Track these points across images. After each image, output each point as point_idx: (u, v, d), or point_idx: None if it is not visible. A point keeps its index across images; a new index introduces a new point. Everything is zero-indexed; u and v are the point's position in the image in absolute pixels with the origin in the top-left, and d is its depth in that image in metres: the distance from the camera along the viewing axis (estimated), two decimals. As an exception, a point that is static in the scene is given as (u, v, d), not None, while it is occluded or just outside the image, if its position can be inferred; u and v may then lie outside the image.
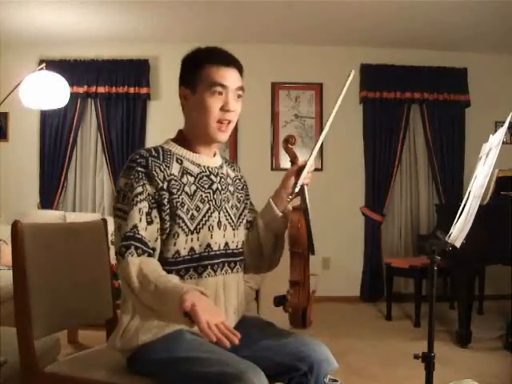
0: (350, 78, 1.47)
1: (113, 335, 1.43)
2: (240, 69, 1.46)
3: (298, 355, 1.38)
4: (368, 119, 5.07)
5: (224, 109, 1.40)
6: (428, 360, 1.69)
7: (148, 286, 1.22)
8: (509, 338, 3.31)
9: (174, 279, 1.30)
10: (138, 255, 1.28)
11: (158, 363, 1.33)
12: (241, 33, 4.72)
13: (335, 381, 1.40)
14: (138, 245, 1.29)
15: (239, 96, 1.44)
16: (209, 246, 1.41)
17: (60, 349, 1.99)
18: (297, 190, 1.48)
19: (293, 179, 1.50)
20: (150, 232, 1.32)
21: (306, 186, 1.51)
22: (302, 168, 1.49)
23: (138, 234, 1.30)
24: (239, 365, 1.23)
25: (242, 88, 1.45)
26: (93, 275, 1.76)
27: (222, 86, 1.39)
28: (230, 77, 1.41)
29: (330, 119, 1.46)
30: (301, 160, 1.53)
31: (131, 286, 1.24)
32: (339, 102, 1.47)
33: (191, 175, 1.43)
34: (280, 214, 1.50)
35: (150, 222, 1.32)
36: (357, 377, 2.83)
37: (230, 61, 1.43)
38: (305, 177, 1.49)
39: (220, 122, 1.41)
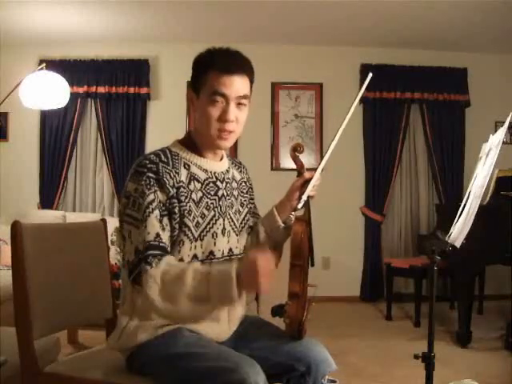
0: (367, 80, 1.46)
1: (112, 335, 1.43)
2: (248, 74, 1.40)
3: (295, 355, 1.38)
4: (368, 119, 5.06)
5: (222, 118, 1.35)
6: (428, 360, 1.69)
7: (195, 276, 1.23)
8: (509, 338, 3.31)
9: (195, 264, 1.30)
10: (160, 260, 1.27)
11: (156, 361, 1.32)
12: (241, 33, 4.71)
13: (333, 381, 1.40)
14: (160, 252, 1.28)
15: (240, 104, 1.38)
16: (211, 253, 1.40)
17: (60, 349, 1.99)
18: (300, 206, 1.44)
19: (297, 193, 1.48)
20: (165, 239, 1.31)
21: (311, 199, 1.48)
22: (308, 181, 1.47)
23: (162, 242, 1.29)
24: (236, 358, 1.24)
25: (245, 97, 1.38)
26: (93, 275, 1.76)
27: (222, 95, 1.34)
28: (231, 85, 1.34)
29: (341, 129, 1.45)
30: (307, 172, 1.50)
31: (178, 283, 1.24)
32: (352, 109, 1.47)
33: (198, 181, 1.40)
34: (282, 224, 1.49)
35: (162, 230, 1.30)
36: (357, 377, 2.83)
37: (234, 67, 1.35)
38: (310, 190, 1.46)
39: (220, 130, 1.37)
